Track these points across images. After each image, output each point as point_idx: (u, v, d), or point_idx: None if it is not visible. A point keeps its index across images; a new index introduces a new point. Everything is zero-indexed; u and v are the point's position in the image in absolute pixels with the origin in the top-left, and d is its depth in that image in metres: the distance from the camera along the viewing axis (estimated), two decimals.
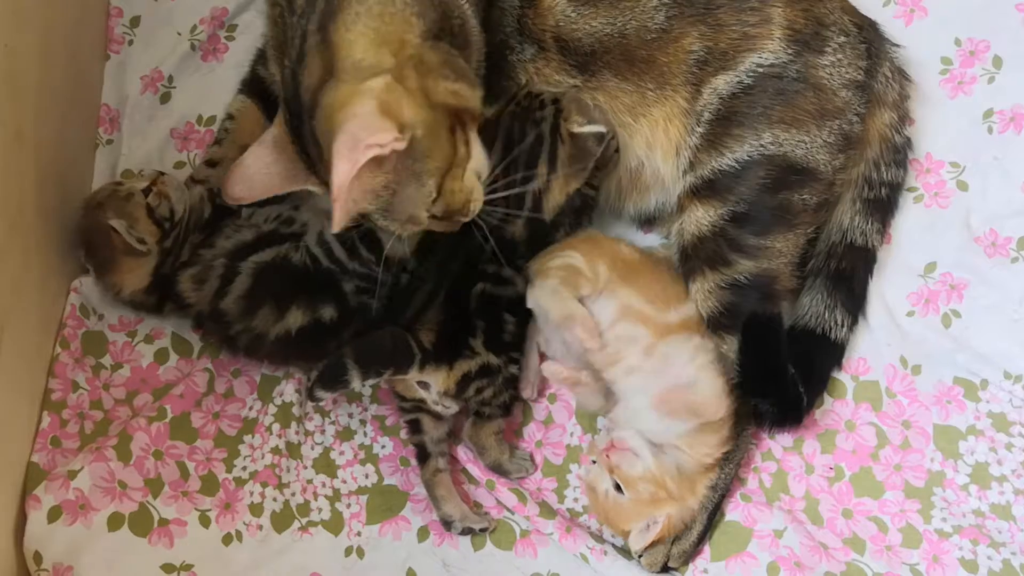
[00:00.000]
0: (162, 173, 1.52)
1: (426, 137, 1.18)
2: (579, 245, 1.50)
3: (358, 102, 1.13)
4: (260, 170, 1.27)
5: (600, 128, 1.42)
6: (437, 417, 1.50)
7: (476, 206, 1.30)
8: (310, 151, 1.21)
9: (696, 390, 1.40)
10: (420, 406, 1.49)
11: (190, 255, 1.50)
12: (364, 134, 1.10)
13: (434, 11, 1.22)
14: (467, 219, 1.31)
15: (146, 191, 1.47)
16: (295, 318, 1.45)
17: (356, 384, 1.38)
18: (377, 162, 1.12)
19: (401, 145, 1.12)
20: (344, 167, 1.09)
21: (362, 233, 1.42)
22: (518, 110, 1.45)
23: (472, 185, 1.28)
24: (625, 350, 1.43)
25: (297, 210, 1.52)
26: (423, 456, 1.51)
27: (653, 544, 1.44)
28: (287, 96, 1.22)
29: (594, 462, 1.45)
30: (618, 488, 1.41)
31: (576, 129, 1.42)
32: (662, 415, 1.41)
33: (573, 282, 1.45)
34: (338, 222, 1.14)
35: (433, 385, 1.43)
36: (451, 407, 1.47)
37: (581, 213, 1.55)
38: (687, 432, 1.41)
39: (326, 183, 1.20)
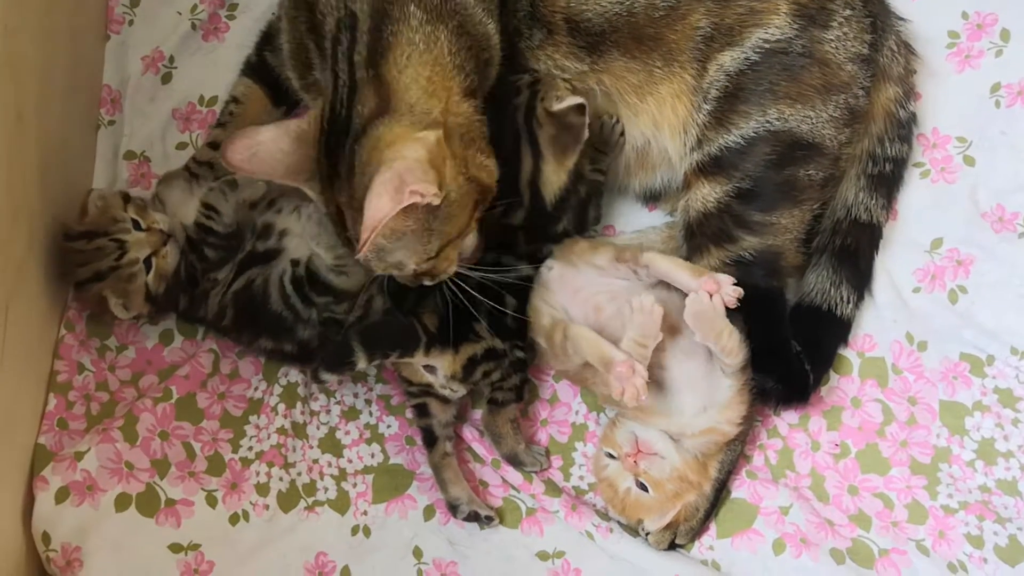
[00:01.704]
0: (167, 237, 1.47)
1: (456, 203, 1.24)
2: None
3: (410, 146, 1.18)
4: (272, 151, 1.27)
5: (578, 99, 1.40)
6: (444, 401, 1.50)
7: (448, 275, 1.34)
8: (340, 167, 1.24)
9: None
10: (427, 390, 1.49)
11: (188, 307, 1.51)
12: (410, 178, 1.14)
13: (473, 64, 1.27)
14: (432, 283, 1.35)
15: (147, 263, 1.44)
16: (265, 343, 1.50)
17: (362, 365, 1.38)
18: (409, 208, 1.15)
19: (436, 201, 1.17)
20: (385, 203, 1.13)
21: (310, 276, 1.44)
22: (495, 103, 1.43)
23: (456, 257, 1.33)
24: (610, 303, 1.44)
25: (279, 212, 1.50)
26: (430, 440, 1.52)
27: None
28: (335, 112, 1.24)
29: (611, 456, 1.44)
30: (641, 487, 1.41)
31: (555, 107, 1.41)
32: (703, 342, 1.37)
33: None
34: (364, 249, 1.17)
35: (439, 369, 1.43)
36: (458, 391, 1.47)
37: (587, 203, 1.54)
38: (728, 398, 1.40)
39: (332, 197, 1.26)
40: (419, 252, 1.27)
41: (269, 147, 1.27)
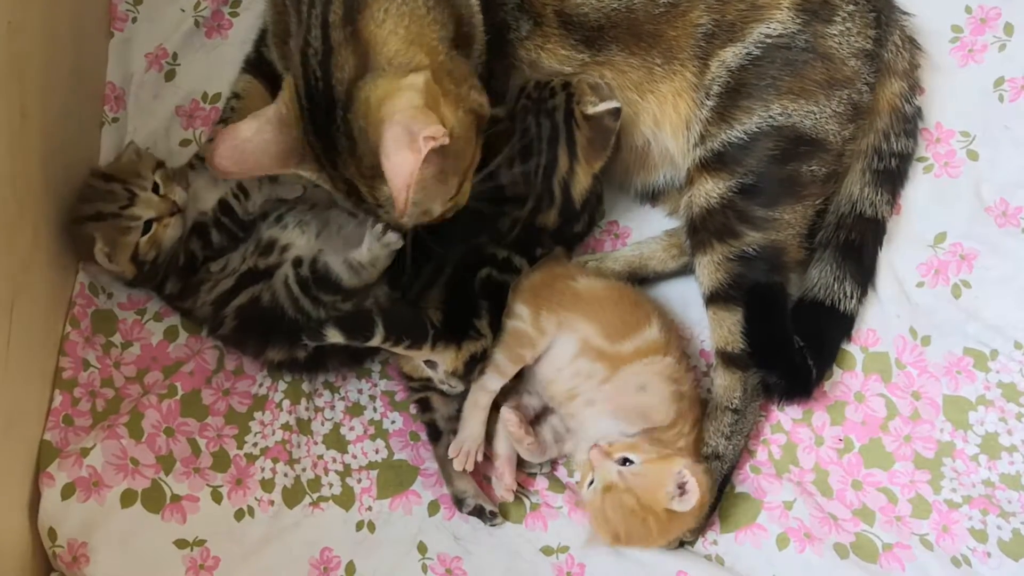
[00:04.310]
0: (176, 210, 1.46)
1: (460, 138, 1.22)
2: (528, 295, 1.48)
3: (403, 96, 1.16)
4: (257, 146, 1.25)
5: (614, 103, 1.42)
6: (446, 395, 1.50)
7: (461, 204, 1.33)
8: (337, 141, 1.22)
9: (645, 397, 1.40)
10: (428, 385, 1.49)
11: (177, 293, 1.50)
12: (417, 126, 1.12)
13: (452, 22, 1.25)
14: (448, 216, 1.34)
15: (148, 225, 1.43)
16: (274, 354, 1.49)
17: (376, 342, 1.36)
18: (427, 156, 1.14)
19: (446, 141, 1.15)
20: (407, 159, 1.12)
21: (316, 276, 1.43)
22: (529, 103, 1.45)
23: (470, 186, 1.32)
24: (582, 385, 1.43)
25: (284, 228, 1.49)
26: (434, 434, 1.52)
27: None
28: (311, 87, 1.22)
29: (591, 484, 1.40)
30: (625, 461, 1.37)
31: (590, 110, 1.43)
32: (618, 420, 1.40)
33: (516, 354, 1.45)
34: (404, 213, 1.16)
35: (440, 365, 1.43)
36: (457, 387, 1.46)
37: (598, 201, 1.57)
38: (641, 434, 1.40)
39: (337, 173, 1.24)
40: (443, 194, 1.27)
41: (253, 142, 1.25)
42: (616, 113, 1.43)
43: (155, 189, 1.46)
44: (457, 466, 1.45)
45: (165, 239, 1.45)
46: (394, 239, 1.39)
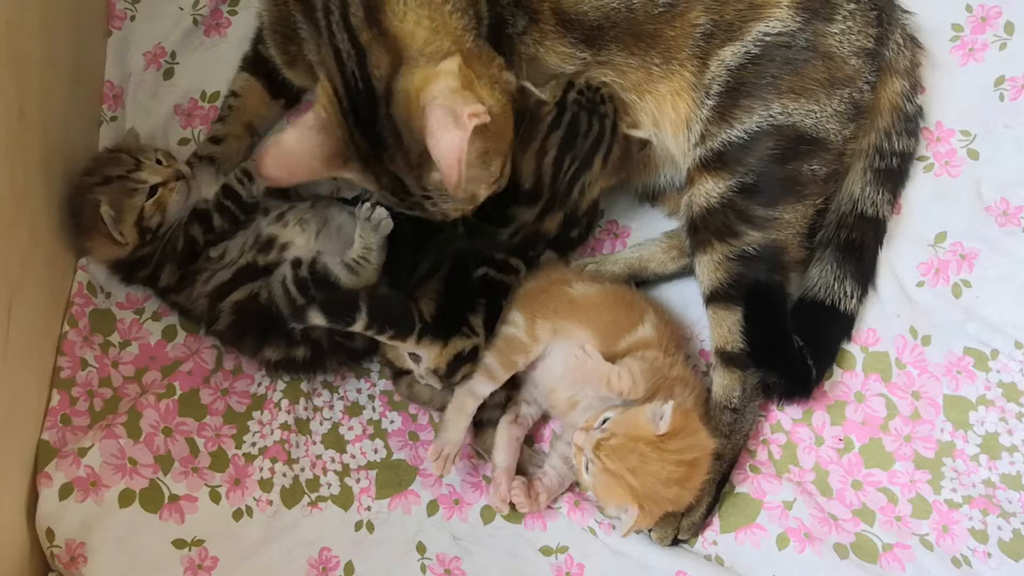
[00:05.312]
0: (180, 176, 1.48)
1: (500, 116, 1.24)
2: (524, 302, 1.47)
3: (440, 80, 1.18)
4: (305, 152, 1.27)
5: (646, 134, 1.45)
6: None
7: (503, 187, 1.35)
8: (384, 136, 1.23)
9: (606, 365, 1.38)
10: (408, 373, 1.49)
11: (173, 285, 1.49)
12: (459, 106, 1.15)
13: (471, 7, 1.26)
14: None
15: (153, 190, 1.45)
16: (271, 352, 1.49)
17: (358, 328, 1.35)
18: (472, 136, 1.15)
19: (487, 119, 1.16)
20: (455, 136, 1.14)
21: (315, 278, 1.42)
22: (582, 99, 1.44)
23: (508, 168, 1.34)
24: (581, 391, 1.42)
25: (285, 226, 1.49)
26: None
27: (662, 517, 1.43)
28: (351, 88, 1.23)
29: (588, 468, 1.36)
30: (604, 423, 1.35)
31: (627, 130, 1.44)
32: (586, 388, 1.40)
33: (509, 359, 1.44)
34: (458, 188, 1.18)
35: (424, 360, 1.42)
36: (436, 385, 1.45)
37: (597, 207, 1.58)
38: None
39: (383, 168, 1.26)
40: (487, 177, 1.29)
41: (299, 149, 1.27)
42: (643, 145, 1.46)
43: (158, 163, 1.49)
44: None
45: (170, 203, 1.47)
46: (383, 216, 1.39)
